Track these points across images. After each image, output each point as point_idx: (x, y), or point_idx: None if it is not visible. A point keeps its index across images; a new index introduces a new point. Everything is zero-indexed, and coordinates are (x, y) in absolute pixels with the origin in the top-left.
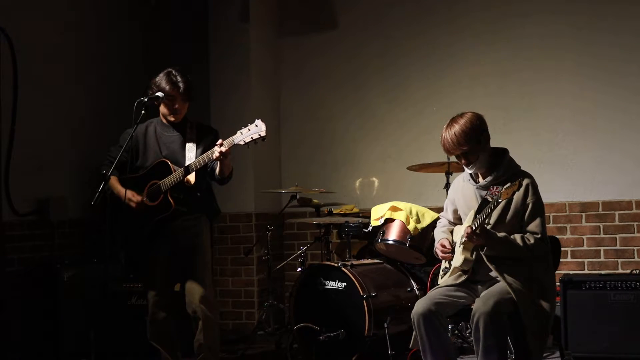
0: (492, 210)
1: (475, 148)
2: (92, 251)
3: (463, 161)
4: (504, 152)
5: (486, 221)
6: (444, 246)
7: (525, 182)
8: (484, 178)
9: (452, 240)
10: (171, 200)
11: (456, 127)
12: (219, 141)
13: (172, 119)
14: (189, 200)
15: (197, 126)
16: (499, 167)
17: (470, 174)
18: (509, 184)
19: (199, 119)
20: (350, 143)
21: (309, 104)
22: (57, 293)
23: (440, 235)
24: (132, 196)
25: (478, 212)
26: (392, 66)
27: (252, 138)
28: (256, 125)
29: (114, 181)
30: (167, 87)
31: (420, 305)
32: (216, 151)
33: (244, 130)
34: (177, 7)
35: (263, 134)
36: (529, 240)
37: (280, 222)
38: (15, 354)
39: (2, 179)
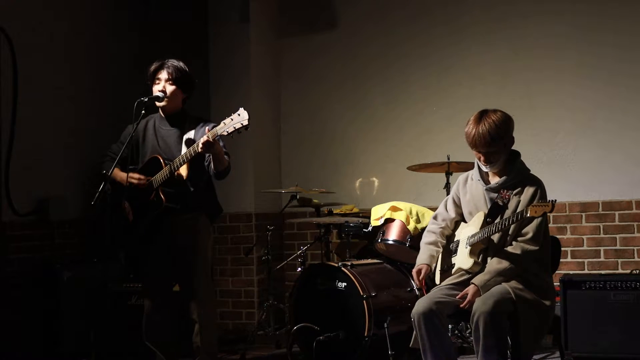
0: (515, 222)
1: (502, 150)
2: (92, 251)
3: (483, 159)
4: (516, 155)
5: (497, 228)
6: (419, 273)
7: (538, 191)
8: (494, 179)
9: (452, 245)
10: (162, 196)
11: (492, 125)
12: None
13: (161, 104)
14: (183, 196)
15: (196, 121)
16: (510, 170)
17: (481, 174)
18: (539, 201)
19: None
20: (350, 143)
21: (309, 104)
22: (57, 293)
23: (425, 258)
24: (132, 178)
25: (489, 216)
26: (392, 66)
27: (234, 128)
28: (239, 114)
29: (116, 172)
30: (153, 67)
31: (420, 305)
32: (200, 143)
33: (227, 120)
34: (177, 7)
35: (245, 122)
36: (517, 255)
37: (280, 222)
38: (15, 353)
39: (2, 179)
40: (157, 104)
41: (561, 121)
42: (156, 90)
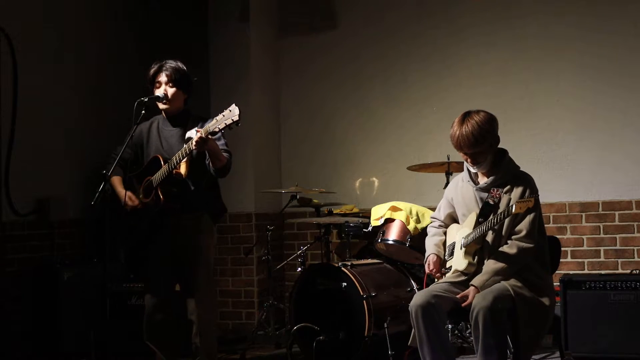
0: (502, 220)
1: (487, 150)
2: (92, 251)
3: (469, 160)
4: (503, 153)
5: (487, 227)
6: (429, 266)
7: (527, 188)
8: (483, 179)
9: (446, 242)
10: (160, 194)
11: (474, 126)
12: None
13: (164, 106)
14: (183, 195)
15: (198, 120)
16: (499, 169)
17: (470, 175)
18: (523, 197)
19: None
20: (350, 143)
21: (309, 104)
22: (57, 293)
23: (431, 248)
24: (129, 199)
25: (481, 216)
26: (392, 66)
27: (225, 124)
28: (230, 110)
29: (116, 181)
30: (152, 71)
31: (419, 297)
32: (193, 140)
33: (219, 116)
34: (177, 7)
35: (236, 118)
36: (513, 253)
37: (280, 222)
38: (15, 354)
39: (2, 179)
40: (160, 106)
41: (561, 121)
42: (158, 93)
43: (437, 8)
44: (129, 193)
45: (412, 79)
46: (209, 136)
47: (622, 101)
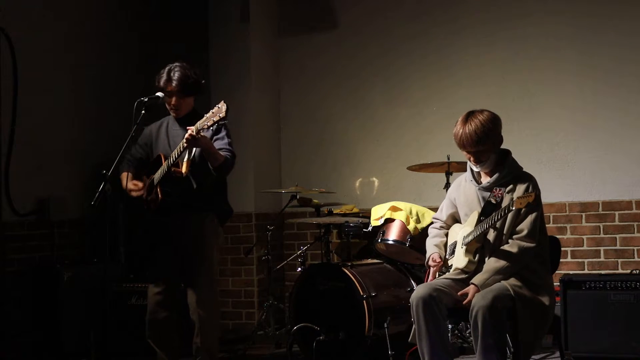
0: (504, 216)
1: (490, 148)
2: (92, 251)
3: (473, 159)
4: (507, 153)
5: (488, 225)
6: (434, 260)
7: (529, 187)
8: (486, 178)
9: (447, 243)
10: (159, 192)
11: (477, 124)
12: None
13: (173, 114)
14: (183, 193)
15: None
16: (502, 168)
17: (473, 175)
18: (524, 193)
19: None
20: (350, 143)
21: (309, 104)
22: (57, 293)
23: (432, 249)
24: (134, 186)
25: (483, 214)
26: (392, 66)
27: (213, 121)
28: (218, 107)
29: (123, 176)
30: (161, 83)
31: (420, 290)
32: (184, 138)
33: (209, 113)
34: (177, 7)
35: (222, 114)
36: (514, 253)
37: (280, 222)
38: (15, 354)
39: (2, 179)
40: (172, 113)
41: (561, 121)
42: (169, 104)
43: (437, 8)
44: (131, 182)
45: (412, 79)
46: (200, 133)
47: (622, 101)
